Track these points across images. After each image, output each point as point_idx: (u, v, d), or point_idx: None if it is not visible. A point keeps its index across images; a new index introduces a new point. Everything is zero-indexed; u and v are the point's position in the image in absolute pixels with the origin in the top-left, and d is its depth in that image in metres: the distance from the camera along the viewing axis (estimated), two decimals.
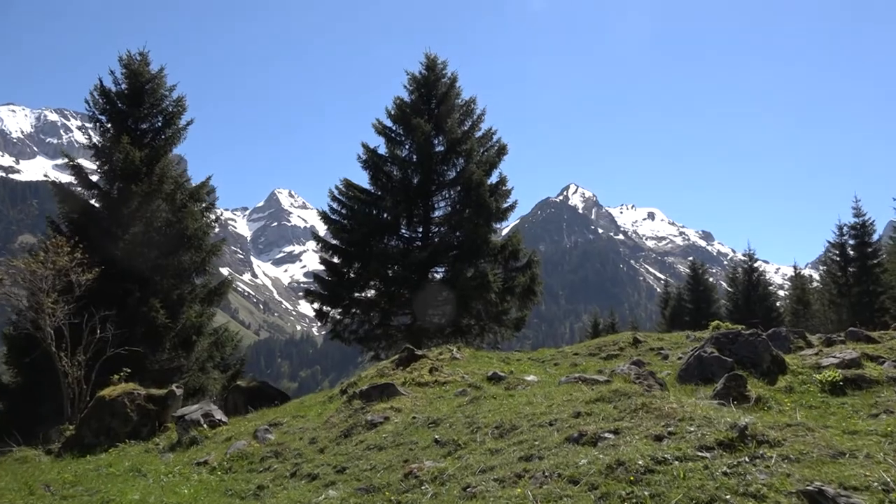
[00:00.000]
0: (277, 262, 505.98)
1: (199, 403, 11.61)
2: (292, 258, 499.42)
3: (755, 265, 54.04)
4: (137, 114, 23.18)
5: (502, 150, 29.22)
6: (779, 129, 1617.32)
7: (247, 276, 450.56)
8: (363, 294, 28.21)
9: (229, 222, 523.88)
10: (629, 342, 15.65)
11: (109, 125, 22.94)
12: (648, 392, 5.98)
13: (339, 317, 28.47)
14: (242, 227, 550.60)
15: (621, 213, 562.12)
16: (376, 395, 8.97)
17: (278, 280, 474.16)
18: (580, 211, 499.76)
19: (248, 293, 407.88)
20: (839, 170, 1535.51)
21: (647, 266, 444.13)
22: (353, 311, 28.16)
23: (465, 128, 29.37)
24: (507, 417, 6.36)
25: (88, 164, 23.91)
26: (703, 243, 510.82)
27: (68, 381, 14.56)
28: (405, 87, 30.01)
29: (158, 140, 23.11)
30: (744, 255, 54.57)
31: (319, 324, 30.05)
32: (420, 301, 27.02)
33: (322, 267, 28.79)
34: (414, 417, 7.51)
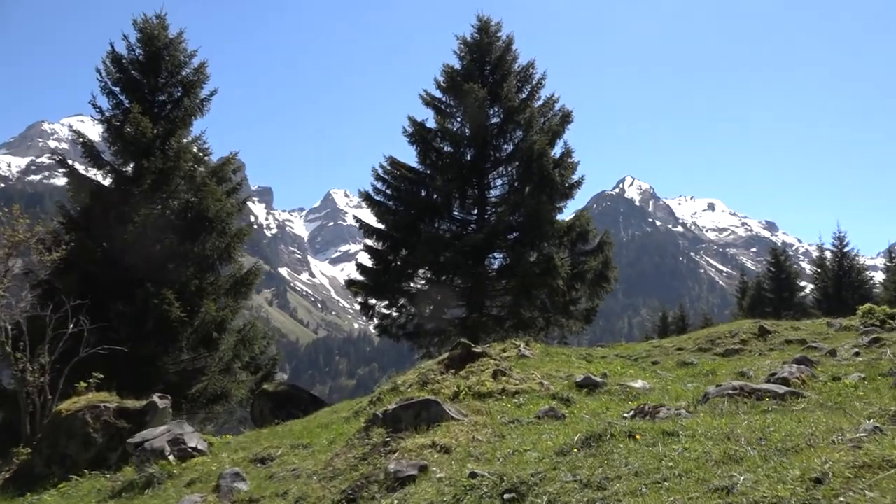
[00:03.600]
0: (334, 262, 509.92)
1: (168, 424, 8.56)
2: (348, 257, 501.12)
3: (846, 250, 48.83)
4: (154, 83, 20.55)
5: (566, 118, 25.60)
6: (847, 112, 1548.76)
7: (305, 276, 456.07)
8: (412, 284, 25.10)
9: (287, 223, 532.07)
10: (753, 333, 11.99)
11: (123, 96, 20.38)
12: None
13: (385, 310, 25.45)
14: (300, 228, 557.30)
15: (679, 204, 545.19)
16: (410, 420, 5.59)
17: (335, 279, 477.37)
18: (637, 203, 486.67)
19: (307, 292, 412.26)
20: None
21: (707, 258, 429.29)
22: (402, 303, 25.09)
23: (524, 95, 25.94)
24: None
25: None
26: (766, 234, 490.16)
27: (27, 389, 11.73)
28: (455, 52, 26.71)
29: (177, 112, 20.44)
30: (833, 240, 49.26)
31: (366, 319, 26.94)
32: (476, 291, 23.73)
33: (367, 256, 25.86)
34: (474, 474, 4.13)
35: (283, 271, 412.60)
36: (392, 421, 5.70)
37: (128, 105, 19.93)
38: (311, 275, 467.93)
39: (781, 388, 5.51)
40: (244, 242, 20.10)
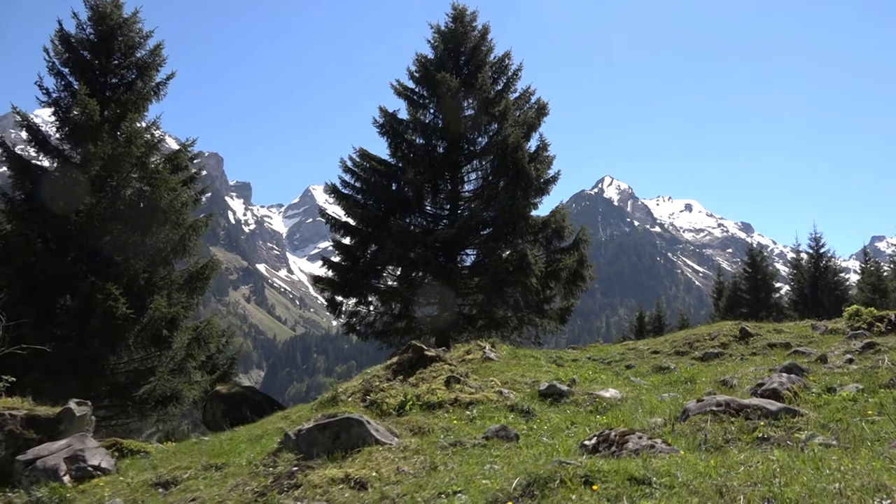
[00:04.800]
0: (313, 258, 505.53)
1: (68, 438, 7.51)
2: (327, 254, 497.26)
3: (823, 251, 48.71)
4: (105, 64, 19.32)
5: (542, 110, 24.82)
6: (819, 119, 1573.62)
7: (283, 272, 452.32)
8: (381, 281, 24.12)
9: (265, 219, 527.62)
10: (734, 335, 11.21)
11: (71, 78, 19.13)
12: None
13: (353, 308, 24.45)
14: (278, 224, 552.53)
15: (658, 205, 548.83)
16: (326, 444, 4.59)
17: (313, 275, 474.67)
18: (615, 203, 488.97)
19: (285, 289, 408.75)
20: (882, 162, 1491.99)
21: (684, 259, 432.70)
22: (370, 300, 24.12)
23: (499, 87, 25.11)
24: None
25: None
26: (742, 235, 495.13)
27: None
28: (429, 41, 25.87)
29: (130, 95, 19.23)
30: (810, 241, 49.05)
31: (334, 317, 25.84)
32: (447, 288, 22.82)
33: (335, 252, 24.86)
34: None
35: (262, 267, 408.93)
36: (305, 444, 4.69)
37: (76, 87, 18.73)
38: (290, 271, 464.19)
39: (773, 405, 4.67)
40: (200, 235, 18.97)
